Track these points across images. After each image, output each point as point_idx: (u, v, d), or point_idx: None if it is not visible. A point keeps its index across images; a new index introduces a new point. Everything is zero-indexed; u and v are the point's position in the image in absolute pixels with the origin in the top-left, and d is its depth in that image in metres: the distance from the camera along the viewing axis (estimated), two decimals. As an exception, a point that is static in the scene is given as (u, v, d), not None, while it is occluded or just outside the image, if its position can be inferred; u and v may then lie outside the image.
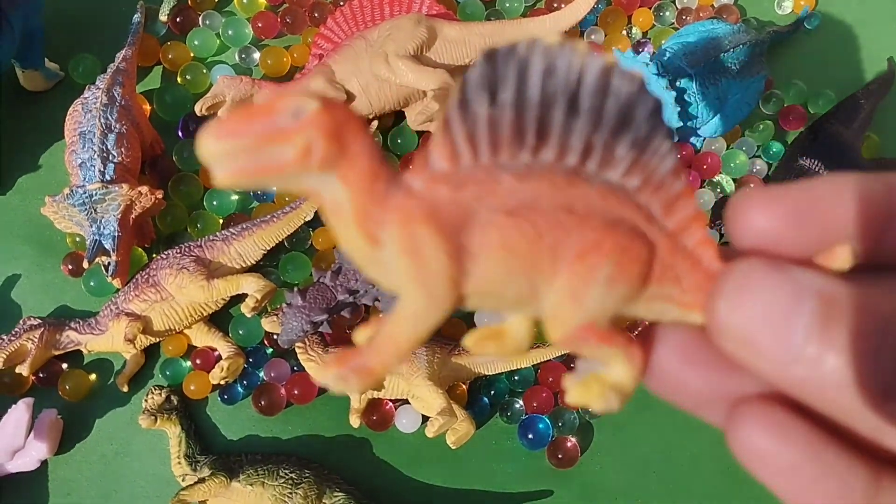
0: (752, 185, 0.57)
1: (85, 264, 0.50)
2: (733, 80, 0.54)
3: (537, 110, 0.18)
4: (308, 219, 0.53)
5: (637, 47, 0.60)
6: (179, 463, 0.49)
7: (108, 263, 0.50)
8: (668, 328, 0.19)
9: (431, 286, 0.18)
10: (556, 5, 0.59)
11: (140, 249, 0.53)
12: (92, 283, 0.53)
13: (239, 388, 0.52)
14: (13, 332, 0.49)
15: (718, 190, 0.57)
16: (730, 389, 0.18)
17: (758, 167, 0.58)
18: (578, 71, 0.18)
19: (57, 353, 0.50)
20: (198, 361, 0.52)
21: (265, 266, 0.54)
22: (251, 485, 0.48)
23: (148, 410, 0.49)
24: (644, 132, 0.18)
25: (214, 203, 0.55)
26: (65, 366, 0.52)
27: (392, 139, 0.57)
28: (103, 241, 0.49)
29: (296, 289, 0.48)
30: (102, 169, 0.49)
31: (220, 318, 0.53)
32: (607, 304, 0.18)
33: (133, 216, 0.50)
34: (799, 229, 0.16)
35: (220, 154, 0.17)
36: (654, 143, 0.18)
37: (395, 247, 0.18)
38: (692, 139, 0.57)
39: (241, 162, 0.17)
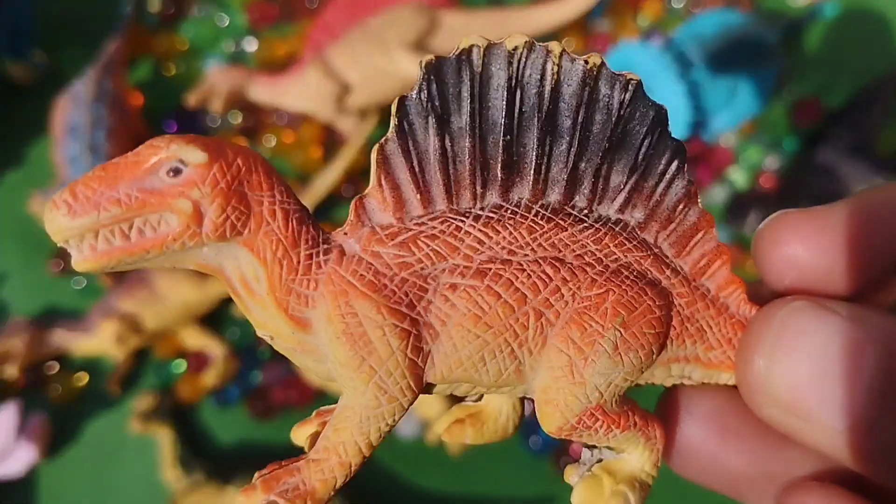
0: (766, 195, 0.55)
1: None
2: (745, 73, 0.53)
3: (504, 136, 0.14)
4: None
5: (646, 37, 0.58)
6: (172, 467, 0.48)
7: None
8: (694, 394, 0.15)
9: (382, 377, 0.14)
10: (561, -6, 0.57)
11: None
12: (81, 282, 0.52)
13: (233, 391, 0.51)
14: (0, 333, 0.48)
15: (729, 187, 0.56)
16: (776, 469, 0.14)
17: (770, 162, 0.56)
18: (553, 80, 0.14)
19: (46, 353, 0.49)
20: (190, 364, 0.50)
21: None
22: (246, 490, 0.47)
23: (140, 414, 0.48)
24: (644, 151, 0.14)
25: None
26: (54, 367, 0.50)
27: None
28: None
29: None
30: (92, 163, 0.48)
31: (214, 319, 0.52)
32: (616, 378, 0.14)
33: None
34: (849, 260, 0.13)
35: (76, 234, 0.13)
36: (659, 164, 0.14)
37: (330, 330, 0.14)
38: (703, 133, 0.55)
39: (105, 241, 0.13)
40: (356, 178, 0.54)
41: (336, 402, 0.15)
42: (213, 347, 0.50)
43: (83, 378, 0.51)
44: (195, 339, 0.50)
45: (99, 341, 0.49)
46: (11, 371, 0.47)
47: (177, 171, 0.13)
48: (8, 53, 0.53)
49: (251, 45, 0.57)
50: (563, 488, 0.51)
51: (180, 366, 0.51)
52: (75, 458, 0.49)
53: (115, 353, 0.49)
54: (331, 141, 0.55)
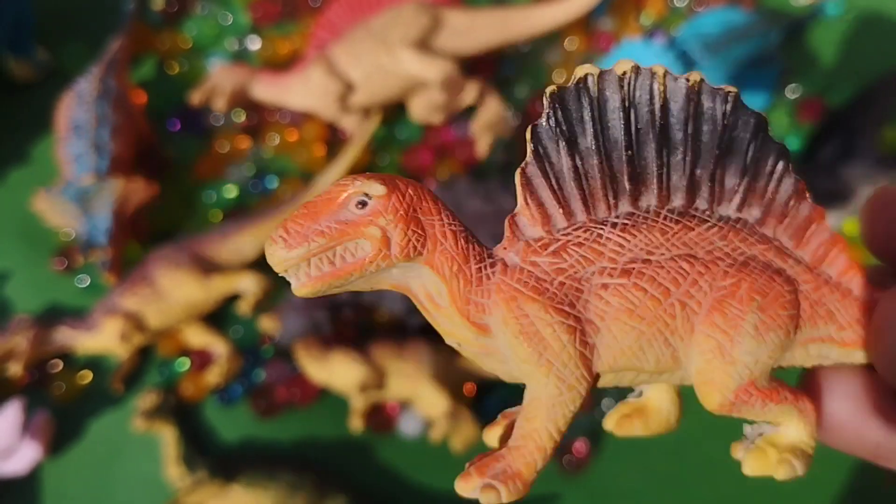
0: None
1: (80, 260, 0.49)
2: (748, 71, 0.53)
3: (626, 152, 0.16)
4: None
5: (648, 36, 0.58)
6: (176, 465, 0.48)
7: (102, 259, 0.49)
8: (834, 374, 0.17)
9: (559, 369, 0.16)
10: (564, -8, 0.57)
11: (136, 245, 0.52)
12: (84, 280, 0.51)
13: (237, 389, 0.51)
14: (4, 331, 0.48)
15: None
16: None
17: (773, 161, 0.56)
18: (661, 98, 0.16)
19: (49, 351, 0.49)
20: (194, 362, 0.50)
21: (264, 262, 0.52)
22: (250, 488, 0.47)
23: (143, 412, 0.48)
24: (752, 154, 0.16)
25: (212, 197, 0.53)
26: (58, 365, 0.50)
27: (394, 132, 0.55)
28: (97, 236, 0.48)
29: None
30: (96, 161, 0.48)
31: (218, 318, 0.51)
32: (762, 355, 0.16)
33: (127, 210, 0.48)
34: None
35: (294, 263, 0.16)
36: (766, 165, 0.16)
37: (508, 331, 0.16)
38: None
39: (317, 268, 0.16)
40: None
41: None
42: (217, 345, 0.50)
43: (87, 376, 0.51)
44: (199, 337, 0.50)
45: (102, 339, 0.49)
46: (15, 369, 0.47)
47: (363, 204, 0.15)
48: (11, 51, 0.53)
49: (254, 44, 0.57)
50: (565, 488, 0.51)
51: (184, 364, 0.51)
52: (79, 455, 0.49)
53: (119, 350, 0.49)
54: (334, 139, 0.55)
